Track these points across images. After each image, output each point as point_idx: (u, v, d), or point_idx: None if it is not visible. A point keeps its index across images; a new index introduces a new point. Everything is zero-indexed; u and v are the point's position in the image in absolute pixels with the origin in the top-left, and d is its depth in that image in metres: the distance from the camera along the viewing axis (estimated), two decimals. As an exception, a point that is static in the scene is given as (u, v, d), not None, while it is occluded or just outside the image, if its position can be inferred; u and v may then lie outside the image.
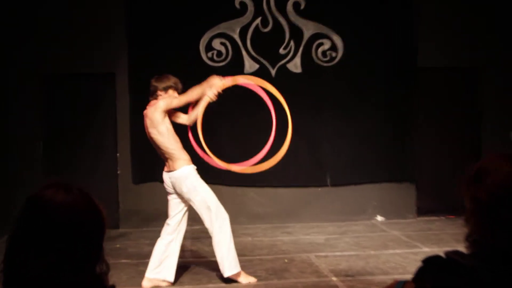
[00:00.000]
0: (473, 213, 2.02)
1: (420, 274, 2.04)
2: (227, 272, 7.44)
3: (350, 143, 11.40)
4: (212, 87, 7.37)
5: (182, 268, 8.08)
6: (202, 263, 8.55)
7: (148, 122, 7.38)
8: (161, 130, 7.26)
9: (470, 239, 2.02)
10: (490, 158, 2.07)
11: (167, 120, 7.32)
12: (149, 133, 7.42)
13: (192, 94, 7.38)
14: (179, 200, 7.56)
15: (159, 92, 7.37)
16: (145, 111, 7.45)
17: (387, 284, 2.13)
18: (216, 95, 7.42)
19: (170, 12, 11.10)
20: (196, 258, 9.03)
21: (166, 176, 7.51)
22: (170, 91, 7.38)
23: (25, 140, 11.10)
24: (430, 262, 2.03)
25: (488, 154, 2.11)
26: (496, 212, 1.96)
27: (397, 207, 11.67)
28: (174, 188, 7.47)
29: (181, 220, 7.63)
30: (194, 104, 7.59)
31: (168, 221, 7.64)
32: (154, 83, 7.41)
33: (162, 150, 7.39)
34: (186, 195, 7.39)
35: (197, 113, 7.47)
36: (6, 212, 10.37)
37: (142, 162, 11.18)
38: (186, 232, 7.90)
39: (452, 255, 1.99)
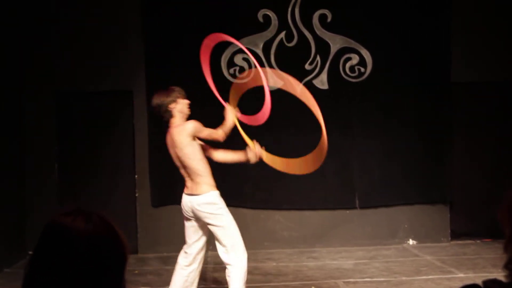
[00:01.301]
0: None
1: None
2: None
3: (380, 162, 11.27)
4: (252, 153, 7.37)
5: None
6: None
7: (170, 142, 7.13)
8: (186, 152, 7.02)
9: (510, 267, 1.95)
10: None
11: (195, 142, 7.07)
12: (173, 152, 7.16)
13: (228, 155, 7.48)
14: (197, 226, 7.23)
15: (171, 106, 7.03)
16: (169, 131, 7.15)
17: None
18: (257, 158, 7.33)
19: (189, 27, 11.00)
20: (217, 285, 8.95)
21: (186, 199, 7.15)
22: (180, 100, 7.10)
23: (39, 162, 11.07)
24: (467, 291, 1.97)
25: None
26: None
27: (430, 230, 11.50)
28: (193, 213, 7.10)
29: (201, 248, 7.34)
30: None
31: (186, 249, 7.35)
32: (157, 102, 7.05)
33: (188, 170, 7.09)
34: (207, 220, 7.04)
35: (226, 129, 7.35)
36: (20, 236, 10.28)
37: (161, 184, 11.15)
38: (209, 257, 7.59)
39: (491, 284, 1.95)
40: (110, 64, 11.02)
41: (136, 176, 11.21)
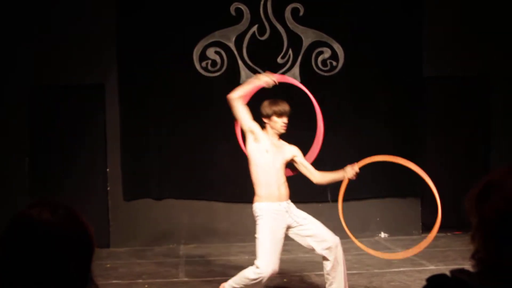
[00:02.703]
0: (479, 230, 1.97)
1: None
2: None
3: (352, 156, 11.11)
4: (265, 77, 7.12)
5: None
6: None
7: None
8: (247, 153, 7.14)
9: (476, 257, 1.97)
10: (499, 173, 2.00)
11: (255, 145, 7.02)
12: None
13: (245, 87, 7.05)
14: (298, 231, 7.45)
15: (265, 120, 7.06)
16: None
17: None
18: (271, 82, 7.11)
19: (162, 20, 10.95)
20: (190, 278, 8.86)
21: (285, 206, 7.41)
22: (274, 117, 7.01)
23: (10, 156, 10.95)
24: (435, 282, 2.01)
25: (497, 169, 2.03)
26: (503, 229, 1.91)
27: (401, 223, 11.54)
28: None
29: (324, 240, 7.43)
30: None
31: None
32: (262, 109, 7.07)
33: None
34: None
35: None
36: None
37: (133, 178, 11.12)
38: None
39: (458, 274, 1.96)
40: (82, 58, 10.90)
41: (108, 169, 11.12)
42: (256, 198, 7.08)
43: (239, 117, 6.90)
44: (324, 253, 7.13)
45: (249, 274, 6.90)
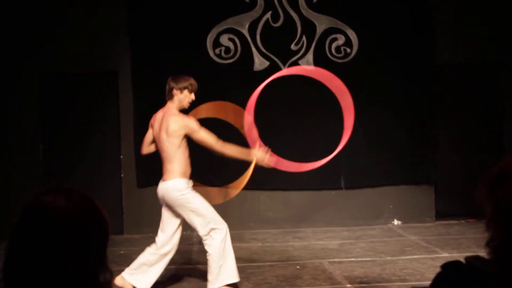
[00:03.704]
0: (494, 217, 1.96)
1: (439, 280, 2.03)
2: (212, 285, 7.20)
3: (366, 143, 11.24)
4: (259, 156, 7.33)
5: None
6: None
7: (160, 124, 7.30)
8: (172, 141, 7.21)
9: (491, 245, 1.96)
10: None
11: (184, 139, 7.25)
12: (158, 133, 7.35)
13: (228, 147, 7.29)
14: (170, 213, 7.46)
15: (175, 92, 7.28)
16: (162, 112, 7.38)
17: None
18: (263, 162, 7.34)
19: (175, 7, 10.96)
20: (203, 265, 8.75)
21: (159, 185, 7.45)
22: (186, 92, 7.30)
23: (24, 143, 11.00)
24: (449, 268, 2.02)
25: (510, 156, 2.02)
26: None
27: (414, 211, 11.51)
28: (164, 200, 7.40)
29: (172, 235, 7.52)
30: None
31: (158, 235, 7.59)
32: (170, 82, 7.34)
33: (164, 155, 7.34)
34: (176, 208, 7.29)
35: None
36: (4, 218, 10.20)
37: (147, 165, 11.01)
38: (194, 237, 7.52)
39: (473, 261, 1.97)
40: (96, 45, 10.93)
41: (121, 156, 11.15)
42: (173, 174, 7.29)
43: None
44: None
45: (215, 247, 7.18)
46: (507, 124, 11.59)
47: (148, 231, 10.93)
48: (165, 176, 7.34)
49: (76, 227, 1.92)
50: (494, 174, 1.99)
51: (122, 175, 11.17)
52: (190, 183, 7.35)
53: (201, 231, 7.20)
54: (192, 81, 7.35)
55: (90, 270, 1.93)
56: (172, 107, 7.28)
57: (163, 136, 7.22)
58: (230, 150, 7.25)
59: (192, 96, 7.34)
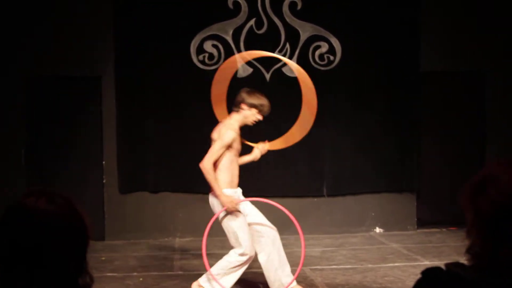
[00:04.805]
0: (474, 224, 1.97)
1: (419, 286, 2.04)
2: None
3: (348, 151, 11.24)
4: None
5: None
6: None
7: (216, 130, 7.32)
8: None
9: (471, 251, 1.98)
10: (493, 166, 2.01)
11: (230, 148, 7.20)
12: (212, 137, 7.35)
13: (211, 176, 7.11)
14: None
15: (243, 106, 7.17)
16: (223, 121, 7.39)
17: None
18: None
19: (159, 13, 10.91)
20: (184, 271, 8.89)
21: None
22: (254, 110, 7.17)
23: (6, 148, 10.90)
24: (429, 274, 2.03)
25: (492, 162, 2.04)
26: (499, 223, 1.91)
27: (396, 219, 11.52)
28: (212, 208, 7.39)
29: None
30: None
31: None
32: (242, 93, 7.22)
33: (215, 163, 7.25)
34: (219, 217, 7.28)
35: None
36: None
37: (129, 170, 11.09)
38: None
39: (453, 267, 1.98)
40: (79, 50, 10.86)
41: (103, 162, 11.09)
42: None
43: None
44: None
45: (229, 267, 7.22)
46: (491, 133, 11.61)
47: (129, 237, 10.96)
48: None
49: (56, 229, 1.92)
50: (475, 181, 2.00)
51: (104, 181, 11.10)
52: (238, 191, 7.37)
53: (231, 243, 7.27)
54: (265, 101, 7.20)
55: (69, 273, 1.94)
56: (233, 118, 7.22)
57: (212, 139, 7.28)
58: (211, 178, 7.08)
59: (259, 117, 7.23)
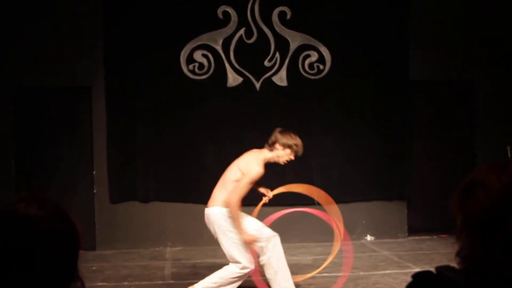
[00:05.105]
0: (464, 228, 1.96)
1: None
2: None
3: (339, 159, 11.24)
4: None
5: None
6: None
7: (241, 158, 7.41)
8: (236, 173, 7.26)
9: (461, 255, 1.96)
10: (482, 170, 2.00)
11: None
12: (233, 163, 7.45)
13: (236, 214, 7.17)
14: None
15: (277, 146, 7.24)
16: (252, 151, 7.44)
17: None
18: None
19: (149, 23, 10.92)
20: (175, 280, 8.89)
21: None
22: (288, 150, 7.24)
23: (-4, 157, 10.83)
24: (420, 278, 2.02)
25: (481, 166, 2.02)
26: (488, 226, 1.90)
27: (387, 226, 11.53)
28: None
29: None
30: None
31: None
32: (277, 134, 7.27)
33: (224, 180, 7.36)
34: (215, 235, 7.33)
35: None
36: None
37: (120, 180, 11.07)
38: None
39: (443, 271, 1.96)
40: (69, 60, 10.84)
41: (94, 172, 11.06)
42: (219, 202, 7.28)
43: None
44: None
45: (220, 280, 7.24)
46: (480, 141, 11.64)
47: (120, 247, 10.93)
48: (210, 201, 7.37)
49: (47, 234, 1.91)
50: (464, 185, 2.00)
51: (94, 191, 11.07)
52: (243, 215, 7.39)
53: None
54: (298, 141, 7.25)
55: (60, 278, 1.93)
56: (264, 154, 7.27)
57: (236, 162, 7.35)
58: (235, 215, 7.12)
59: (292, 156, 7.28)
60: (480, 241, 1.92)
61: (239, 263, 7.14)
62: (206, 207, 7.35)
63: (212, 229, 7.30)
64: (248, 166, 7.14)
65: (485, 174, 1.97)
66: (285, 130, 7.30)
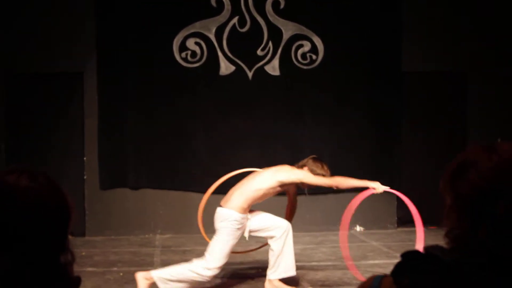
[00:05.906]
0: (453, 208, 1.97)
1: (399, 268, 2.03)
2: None
3: (330, 149, 11.23)
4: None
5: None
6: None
7: (274, 168, 7.61)
8: (268, 183, 7.44)
9: (450, 235, 1.97)
10: (473, 151, 2.01)
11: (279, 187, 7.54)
12: (262, 169, 7.68)
13: (344, 182, 7.64)
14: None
15: (306, 169, 7.50)
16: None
17: (365, 279, 2.11)
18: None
19: (142, 9, 10.91)
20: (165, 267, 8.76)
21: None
22: (315, 171, 7.54)
23: (-14, 142, 10.81)
24: (409, 257, 2.02)
25: (471, 146, 2.03)
26: (478, 205, 1.91)
27: (377, 217, 11.57)
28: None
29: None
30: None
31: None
32: (310, 160, 7.59)
33: (246, 186, 7.44)
34: (216, 231, 7.40)
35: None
36: None
37: (110, 167, 11.06)
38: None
39: (432, 250, 1.97)
40: (61, 46, 10.82)
41: (85, 158, 11.06)
42: (235, 206, 7.37)
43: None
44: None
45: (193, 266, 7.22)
46: (472, 133, 11.68)
47: (110, 234, 10.95)
48: (226, 203, 7.43)
49: (38, 206, 1.90)
50: (455, 165, 2.01)
51: (85, 177, 11.07)
52: (249, 216, 7.53)
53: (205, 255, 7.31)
54: (327, 173, 7.54)
55: (50, 250, 1.92)
56: (296, 171, 7.47)
57: (267, 174, 7.49)
58: (346, 182, 7.66)
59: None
60: (470, 221, 1.92)
61: (207, 261, 7.13)
62: (220, 206, 7.40)
63: (216, 226, 7.36)
64: (295, 171, 7.46)
65: (476, 154, 1.98)
66: (318, 159, 7.60)
